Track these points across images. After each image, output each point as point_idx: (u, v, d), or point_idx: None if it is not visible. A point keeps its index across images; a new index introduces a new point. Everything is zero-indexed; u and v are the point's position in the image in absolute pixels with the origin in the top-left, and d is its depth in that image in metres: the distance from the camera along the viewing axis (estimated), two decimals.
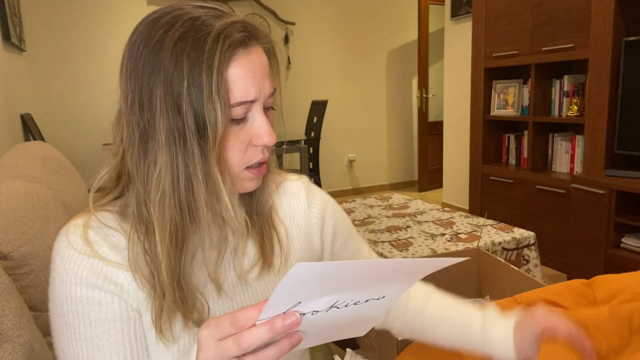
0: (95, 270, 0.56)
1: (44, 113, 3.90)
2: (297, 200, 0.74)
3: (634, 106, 2.32)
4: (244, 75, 0.54)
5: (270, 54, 0.60)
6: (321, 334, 0.48)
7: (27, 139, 2.90)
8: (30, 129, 2.88)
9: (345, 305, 0.45)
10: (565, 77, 2.85)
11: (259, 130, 0.57)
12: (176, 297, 0.56)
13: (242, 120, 0.56)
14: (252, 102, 0.56)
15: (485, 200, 3.37)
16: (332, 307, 0.44)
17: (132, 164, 0.56)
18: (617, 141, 2.40)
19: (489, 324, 0.70)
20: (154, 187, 0.54)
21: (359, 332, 0.52)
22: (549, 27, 2.78)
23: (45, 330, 0.98)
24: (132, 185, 0.57)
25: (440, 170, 4.86)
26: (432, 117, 5.13)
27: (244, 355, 0.42)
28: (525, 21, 2.94)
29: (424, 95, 5.03)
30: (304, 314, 0.43)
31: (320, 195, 0.77)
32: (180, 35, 0.52)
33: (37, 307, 0.97)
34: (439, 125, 4.95)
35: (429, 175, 5.17)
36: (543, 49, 2.82)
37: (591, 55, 2.46)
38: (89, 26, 4.04)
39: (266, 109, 0.59)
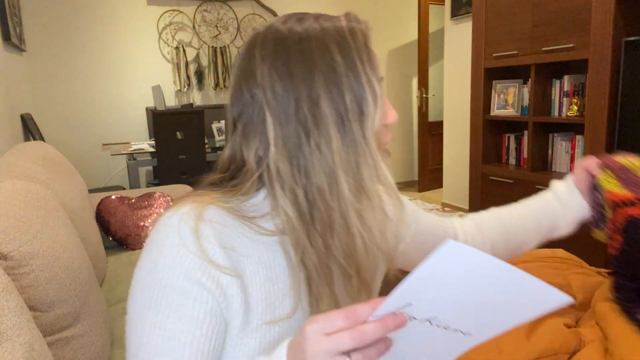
0: (202, 266, 0.55)
1: (44, 113, 3.90)
2: None
3: (634, 106, 2.32)
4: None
5: None
6: (399, 351, 0.48)
7: (27, 139, 2.90)
8: (30, 129, 2.88)
9: (437, 325, 0.45)
10: (565, 77, 2.85)
11: (386, 107, 0.60)
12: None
13: None
14: (382, 79, 0.60)
15: (485, 200, 3.37)
16: (427, 320, 0.44)
17: (286, 159, 0.56)
18: (617, 141, 2.40)
19: (558, 191, 0.87)
20: (328, 176, 0.55)
21: None
22: (549, 27, 2.78)
23: (45, 330, 0.98)
24: (276, 182, 0.57)
25: (440, 170, 4.86)
26: (432, 117, 5.14)
27: (353, 351, 0.43)
28: (525, 21, 2.94)
29: (424, 95, 5.03)
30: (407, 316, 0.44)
31: None
32: (321, 30, 0.57)
33: (37, 307, 0.97)
34: (439, 125, 4.95)
35: (429, 175, 5.18)
36: (543, 49, 2.82)
37: (591, 55, 2.46)
38: (89, 26, 4.04)
39: None
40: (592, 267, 0.98)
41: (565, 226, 0.85)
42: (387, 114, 0.61)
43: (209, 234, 0.56)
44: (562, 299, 0.42)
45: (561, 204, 0.85)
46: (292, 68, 0.55)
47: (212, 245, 0.56)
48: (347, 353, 0.43)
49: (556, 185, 0.88)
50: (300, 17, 0.59)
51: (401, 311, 0.43)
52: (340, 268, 0.58)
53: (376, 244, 0.59)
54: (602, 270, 0.97)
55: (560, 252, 0.99)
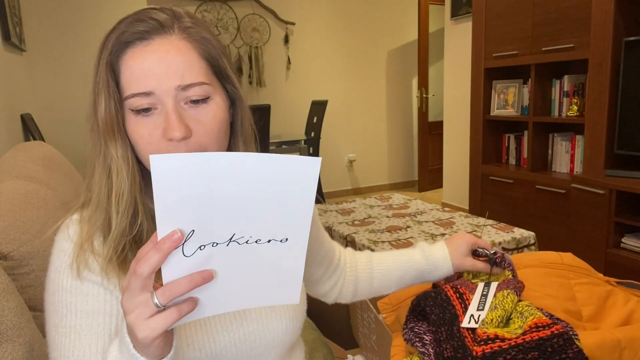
0: (87, 262, 0.58)
1: (44, 113, 3.90)
2: None
3: (634, 106, 2.32)
4: (135, 68, 0.56)
5: (202, 45, 0.59)
6: (237, 286, 0.48)
7: (27, 139, 2.90)
8: (30, 129, 2.88)
9: (247, 242, 0.45)
10: (565, 77, 2.85)
11: (165, 124, 0.56)
12: None
13: (147, 111, 0.56)
14: (147, 94, 0.56)
15: (485, 200, 3.37)
16: (231, 240, 0.44)
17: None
18: (617, 141, 2.40)
19: (427, 251, 0.89)
20: (99, 174, 0.60)
21: (284, 295, 0.51)
22: (549, 27, 2.78)
23: (45, 330, 0.98)
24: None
25: (440, 170, 4.85)
26: (432, 117, 5.13)
27: (155, 291, 0.44)
28: (525, 21, 2.94)
29: (424, 95, 5.03)
30: (204, 245, 0.44)
31: None
32: (106, 35, 0.59)
33: (37, 307, 0.97)
34: (439, 125, 4.95)
35: (429, 175, 5.17)
36: (543, 49, 2.82)
37: (591, 55, 2.46)
38: (89, 26, 4.04)
39: (194, 102, 0.58)
40: (601, 275, 0.97)
41: (432, 280, 0.91)
42: (164, 129, 0.59)
43: (92, 230, 0.60)
44: (313, 161, 0.43)
45: (430, 268, 0.89)
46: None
47: (97, 239, 0.59)
48: (152, 293, 0.44)
49: (429, 250, 0.90)
50: (125, 20, 0.59)
51: (202, 244, 0.43)
52: None
53: None
54: (612, 279, 0.96)
55: (568, 257, 0.97)
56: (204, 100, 0.58)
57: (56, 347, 0.57)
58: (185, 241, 0.43)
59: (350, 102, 5.12)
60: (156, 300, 0.43)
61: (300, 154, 2.83)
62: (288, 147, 3.80)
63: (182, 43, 0.57)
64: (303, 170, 0.43)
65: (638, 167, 2.43)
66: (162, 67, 0.55)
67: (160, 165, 0.39)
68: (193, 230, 0.43)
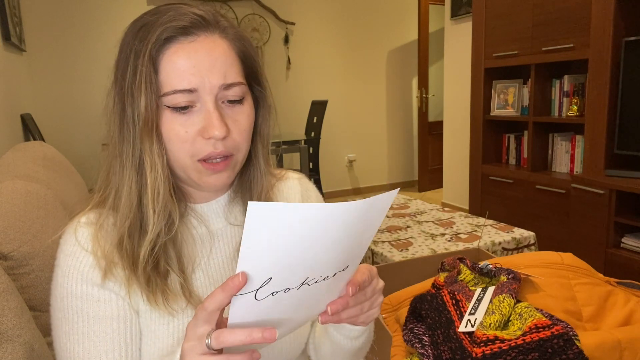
0: (97, 267, 0.56)
1: (44, 113, 3.90)
2: (292, 197, 0.76)
3: (634, 106, 2.32)
4: (179, 64, 0.55)
5: (238, 45, 0.60)
6: (291, 320, 0.49)
7: (27, 139, 2.90)
8: (30, 129, 2.88)
9: (316, 282, 0.45)
10: (565, 77, 2.85)
11: (205, 122, 0.56)
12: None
13: (185, 109, 0.56)
14: (190, 91, 0.55)
15: (485, 200, 3.37)
16: (303, 283, 0.44)
17: (114, 153, 0.58)
18: (617, 141, 2.40)
19: None
20: (128, 172, 0.57)
21: (316, 314, 0.52)
22: (549, 27, 2.78)
23: (45, 330, 0.98)
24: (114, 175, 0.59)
25: (440, 170, 4.85)
26: (432, 117, 5.13)
27: (213, 332, 0.44)
28: (525, 21, 2.94)
29: (424, 95, 5.03)
30: (277, 292, 0.43)
31: (315, 195, 0.79)
32: (139, 27, 0.57)
33: (37, 307, 0.97)
34: (439, 125, 4.95)
35: (429, 175, 5.17)
36: (543, 49, 2.82)
37: (591, 55, 2.46)
38: (89, 26, 4.04)
39: (230, 102, 0.58)
40: (601, 275, 0.97)
41: None
42: (205, 127, 0.59)
43: (103, 235, 0.58)
44: (390, 194, 0.44)
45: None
46: (119, 57, 0.59)
47: (108, 244, 0.57)
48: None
49: None
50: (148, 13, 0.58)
51: (275, 291, 0.43)
52: None
53: None
54: (612, 279, 0.96)
55: (568, 257, 0.97)
56: (240, 101, 0.59)
57: (68, 354, 0.56)
58: (260, 287, 0.42)
59: (350, 102, 5.12)
60: (208, 341, 0.43)
61: (301, 154, 2.82)
62: (288, 147, 3.79)
63: (223, 42, 0.58)
64: (379, 206, 0.44)
65: (638, 167, 2.43)
66: (207, 64, 0.55)
67: (257, 210, 0.38)
68: (270, 278, 0.42)
